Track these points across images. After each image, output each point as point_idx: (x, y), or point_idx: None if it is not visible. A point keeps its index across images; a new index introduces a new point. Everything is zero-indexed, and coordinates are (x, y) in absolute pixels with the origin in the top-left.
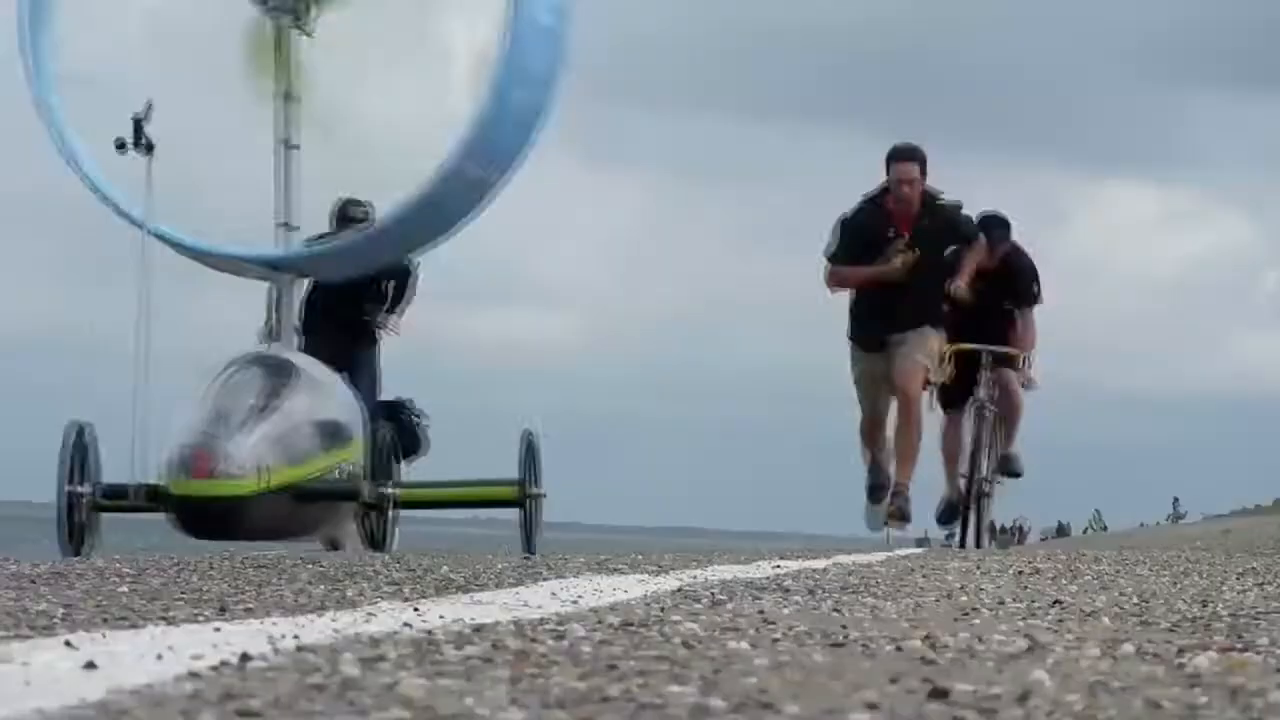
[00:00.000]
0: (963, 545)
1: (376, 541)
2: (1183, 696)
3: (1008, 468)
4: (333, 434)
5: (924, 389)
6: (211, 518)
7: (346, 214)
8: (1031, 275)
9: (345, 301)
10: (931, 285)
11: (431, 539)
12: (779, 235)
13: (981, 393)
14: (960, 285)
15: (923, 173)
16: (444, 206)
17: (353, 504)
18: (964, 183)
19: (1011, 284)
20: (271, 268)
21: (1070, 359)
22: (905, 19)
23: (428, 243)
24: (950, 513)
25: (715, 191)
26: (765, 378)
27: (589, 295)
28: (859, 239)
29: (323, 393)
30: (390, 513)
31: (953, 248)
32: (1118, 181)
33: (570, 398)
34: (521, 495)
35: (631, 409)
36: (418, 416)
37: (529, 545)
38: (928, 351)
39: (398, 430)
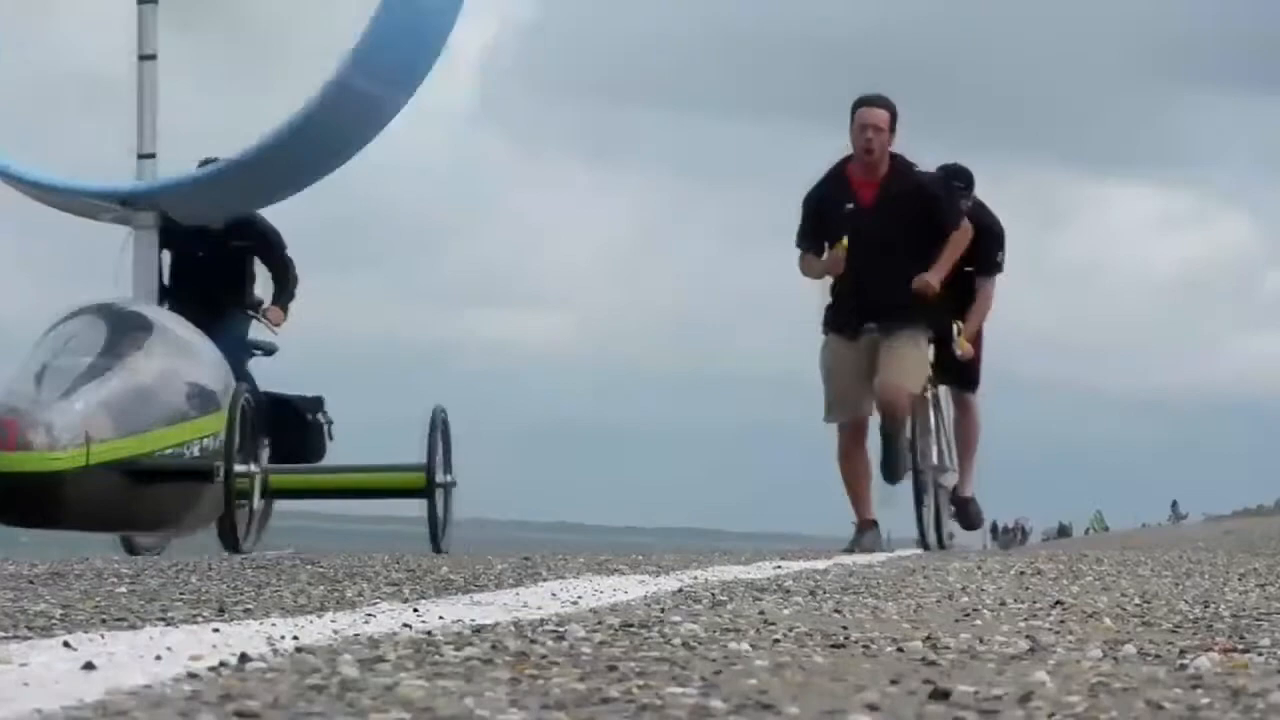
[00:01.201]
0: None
1: (229, 538)
2: (1184, 698)
3: (965, 517)
4: (188, 402)
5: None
6: (21, 498)
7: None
8: (996, 240)
9: (211, 275)
10: (913, 257)
11: (429, 540)
12: (781, 235)
13: (931, 390)
14: (930, 283)
15: (892, 128)
16: (332, 125)
17: (213, 489)
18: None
19: (972, 247)
20: (126, 204)
21: (1071, 359)
22: (907, 20)
23: (312, 168)
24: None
25: (717, 192)
26: (766, 378)
27: (590, 295)
28: (818, 218)
29: (180, 353)
30: (256, 502)
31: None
32: (1118, 182)
33: (571, 398)
34: (427, 484)
35: (632, 409)
36: (324, 417)
37: (435, 542)
38: (916, 364)
39: (304, 430)
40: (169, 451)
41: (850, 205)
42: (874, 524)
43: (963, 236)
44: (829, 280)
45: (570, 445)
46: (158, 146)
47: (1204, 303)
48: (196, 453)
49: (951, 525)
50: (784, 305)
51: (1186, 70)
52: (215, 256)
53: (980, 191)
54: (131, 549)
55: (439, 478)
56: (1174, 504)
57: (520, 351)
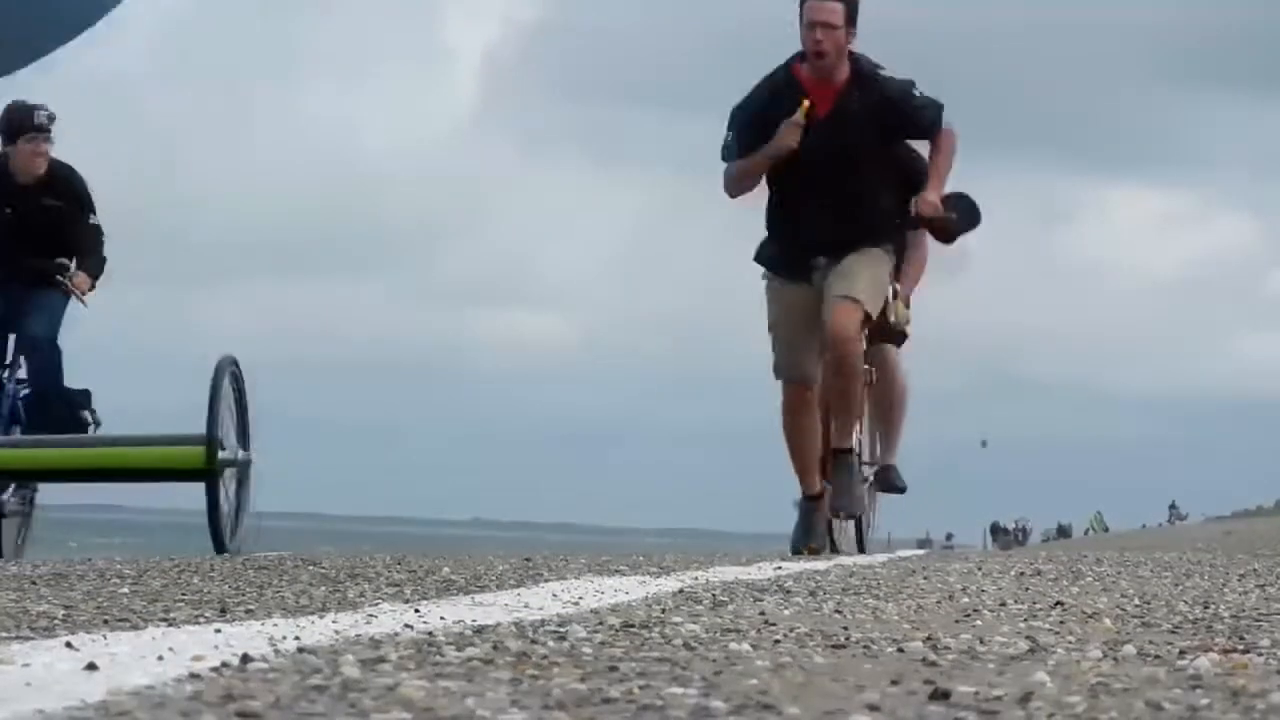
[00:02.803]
0: (817, 549)
1: None
2: (1184, 698)
3: (887, 482)
4: None
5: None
6: None
7: None
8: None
9: (22, 234)
10: (876, 183)
11: (430, 541)
12: None
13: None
14: (931, 203)
15: (850, 21)
16: None
17: None
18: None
19: (903, 191)
20: None
21: (1072, 359)
22: (908, 21)
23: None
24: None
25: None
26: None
27: (591, 295)
28: (758, 133)
29: None
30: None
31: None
32: (1120, 183)
33: (571, 398)
34: (209, 462)
35: (632, 409)
36: (91, 416)
37: (219, 538)
38: (873, 282)
39: (62, 426)
40: None
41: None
42: (821, 497)
43: (950, 140)
44: (765, 204)
45: (570, 445)
46: None
47: (1205, 303)
48: None
49: (875, 515)
50: None
51: (1189, 71)
52: (26, 213)
53: (981, 191)
54: None
55: (228, 453)
56: (1172, 504)
57: (521, 352)
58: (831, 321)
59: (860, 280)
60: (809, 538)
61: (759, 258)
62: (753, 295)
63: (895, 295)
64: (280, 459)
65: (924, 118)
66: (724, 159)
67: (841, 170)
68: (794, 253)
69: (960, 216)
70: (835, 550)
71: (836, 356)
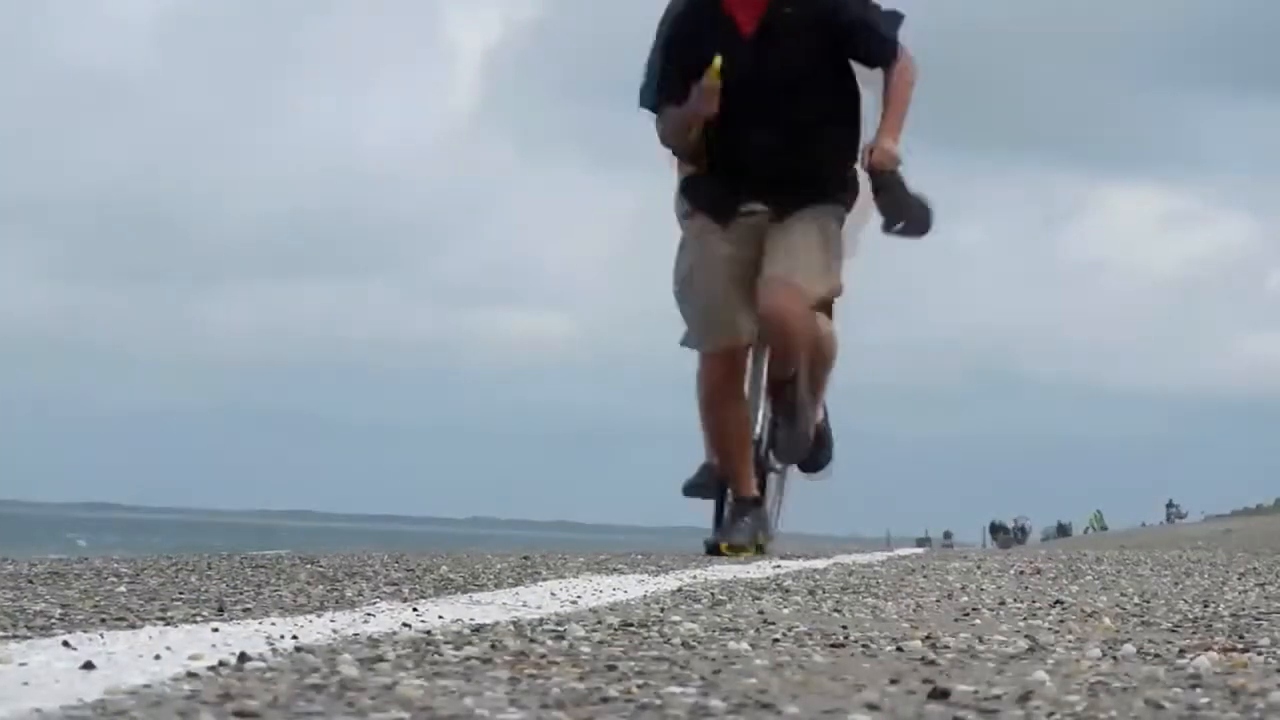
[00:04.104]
0: (719, 523)
1: None
2: (1184, 697)
3: (809, 459)
4: None
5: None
6: None
7: None
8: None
9: None
10: (824, 116)
11: (428, 539)
12: None
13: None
14: (887, 152)
15: None
16: None
17: None
18: (967, 182)
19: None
20: None
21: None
22: (911, 22)
23: None
24: (699, 489)
25: None
26: None
27: (591, 295)
28: (677, 58)
29: None
30: None
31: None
32: (1120, 182)
33: (571, 397)
34: None
35: (632, 409)
36: None
37: None
38: (822, 260)
39: None
40: None
41: (723, 36)
42: (757, 502)
43: (909, 69)
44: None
45: (570, 445)
46: None
47: (1205, 302)
48: None
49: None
50: None
51: (1189, 71)
52: None
53: (981, 191)
54: None
55: None
56: (1169, 503)
57: (521, 351)
58: (768, 306)
59: (804, 258)
60: (732, 533)
61: (684, 190)
62: None
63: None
64: (280, 458)
65: (872, 43)
66: (642, 104)
67: (777, 98)
68: (721, 192)
69: (911, 221)
70: (760, 549)
71: (778, 346)
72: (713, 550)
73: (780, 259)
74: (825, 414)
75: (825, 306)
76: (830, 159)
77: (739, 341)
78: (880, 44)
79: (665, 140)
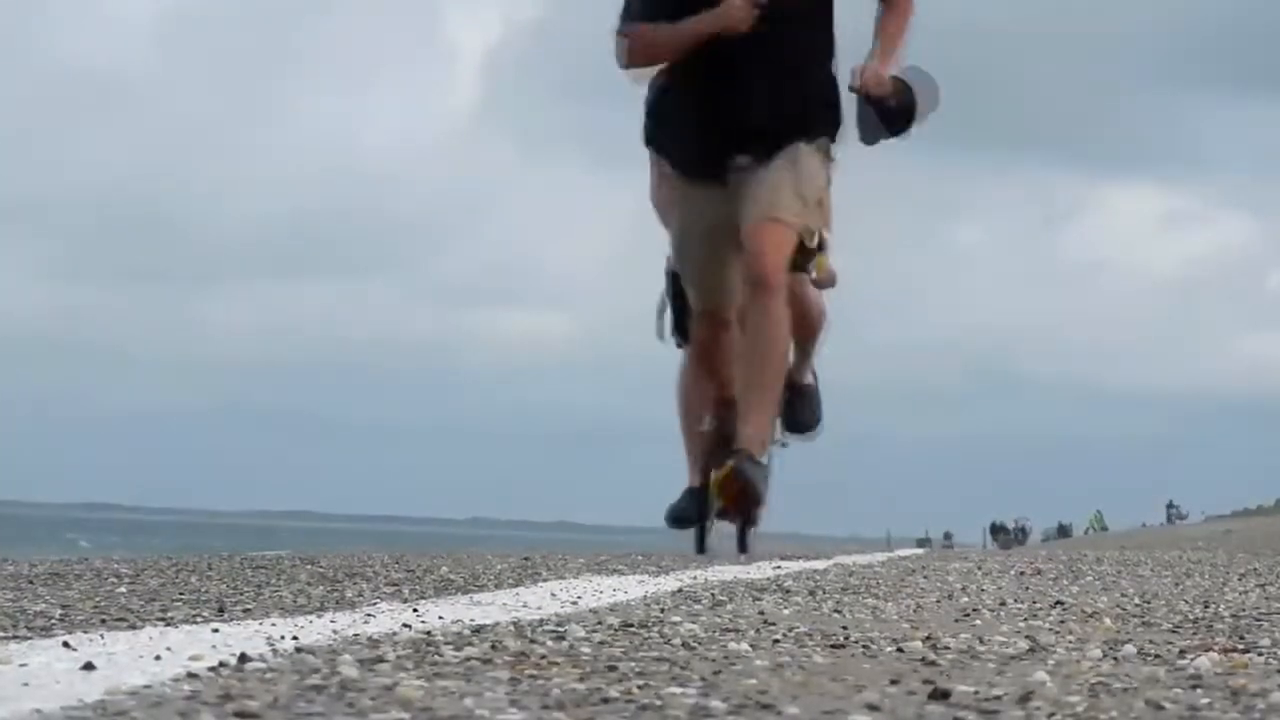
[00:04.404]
0: (702, 549)
1: None
2: (1184, 698)
3: (794, 418)
4: None
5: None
6: None
7: None
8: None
9: None
10: (816, 53)
11: (429, 540)
12: None
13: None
14: (878, 76)
15: None
16: None
17: None
18: (967, 182)
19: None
20: None
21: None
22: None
23: None
24: (686, 521)
25: None
26: None
27: (591, 295)
28: None
29: None
30: None
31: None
32: (1120, 182)
33: (571, 397)
34: None
35: (632, 409)
36: None
37: None
38: (804, 191)
39: None
40: None
41: None
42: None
43: (906, 5)
44: (656, 76)
45: (570, 445)
46: None
47: (1205, 302)
48: None
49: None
50: None
51: (1189, 71)
52: None
53: (982, 191)
54: None
55: None
56: (1169, 504)
57: (521, 351)
58: (751, 249)
59: (786, 191)
60: (691, 511)
61: (652, 142)
62: None
63: (822, 247)
64: (280, 458)
65: None
66: (619, 27)
67: (774, 35)
68: (707, 146)
69: (915, 96)
70: (703, 547)
71: (755, 293)
72: (678, 522)
73: (759, 194)
74: (815, 377)
75: (810, 255)
76: (819, 100)
77: (723, 307)
78: None
79: (637, 52)
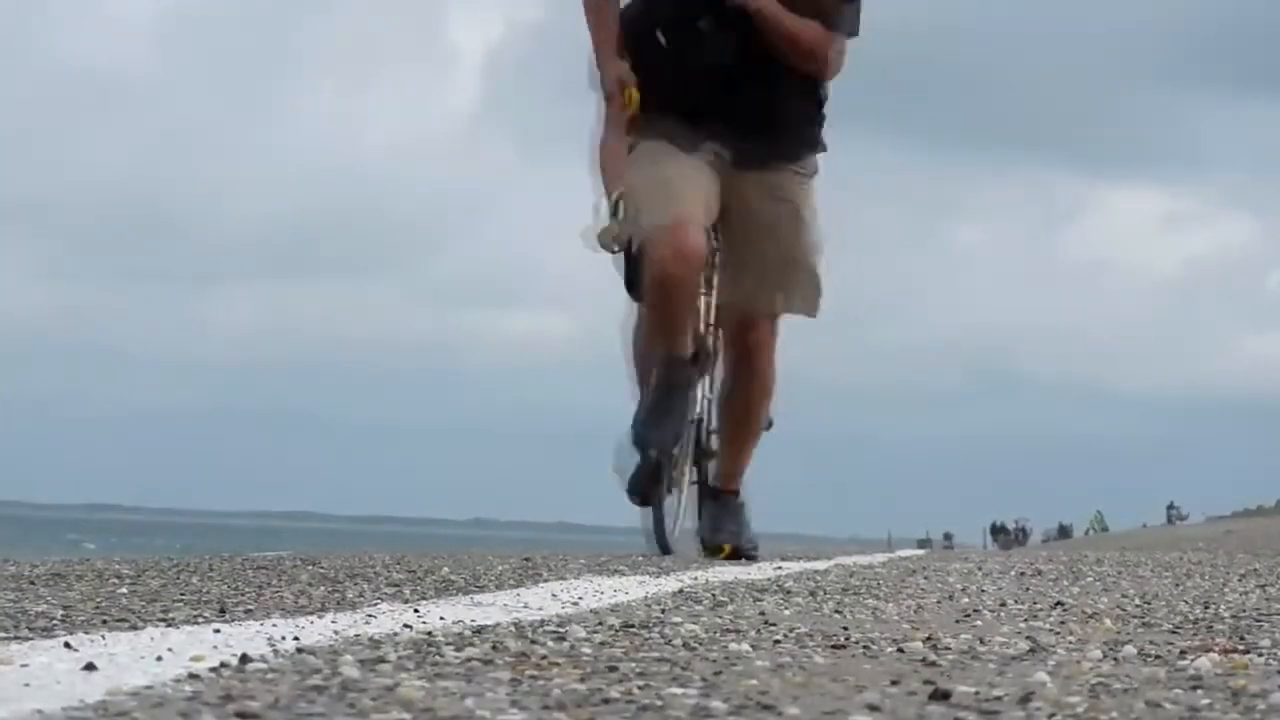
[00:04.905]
0: (662, 542)
1: None
2: (1185, 698)
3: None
4: None
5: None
6: None
7: None
8: None
9: None
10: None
11: (430, 541)
12: None
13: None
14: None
15: None
16: None
17: None
18: (968, 181)
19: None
20: None
21: (1073, 359)
22: (910, 20)
23: None
24: (640, 484)
25: None
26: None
27: (591, 295)
28: None
29: None
30: None
31: None
32: (1121, 182)
33: (571, 398)
34: None
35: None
36: None
37: None
38: (811, 275)
39: None
40: None
41: None
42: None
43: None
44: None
45: (570, 445)
46: None
47: (1206, 303)
48: None
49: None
50: None
51: (1189, 71)
52: None
53: (982, 191)
54: None
55: None
56: (1170, 505)
57: (521, 351)
58: (743, 332)
59: (799, 274)
60: (737, 534)
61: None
62: None
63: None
64: (280, 459)
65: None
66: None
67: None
68: (678, 115)
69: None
70: (665, 546)
71: (744, 353)
72: (715, 552)
73: (764, 271)
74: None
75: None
76: (796, 99)
77: (693, 214)
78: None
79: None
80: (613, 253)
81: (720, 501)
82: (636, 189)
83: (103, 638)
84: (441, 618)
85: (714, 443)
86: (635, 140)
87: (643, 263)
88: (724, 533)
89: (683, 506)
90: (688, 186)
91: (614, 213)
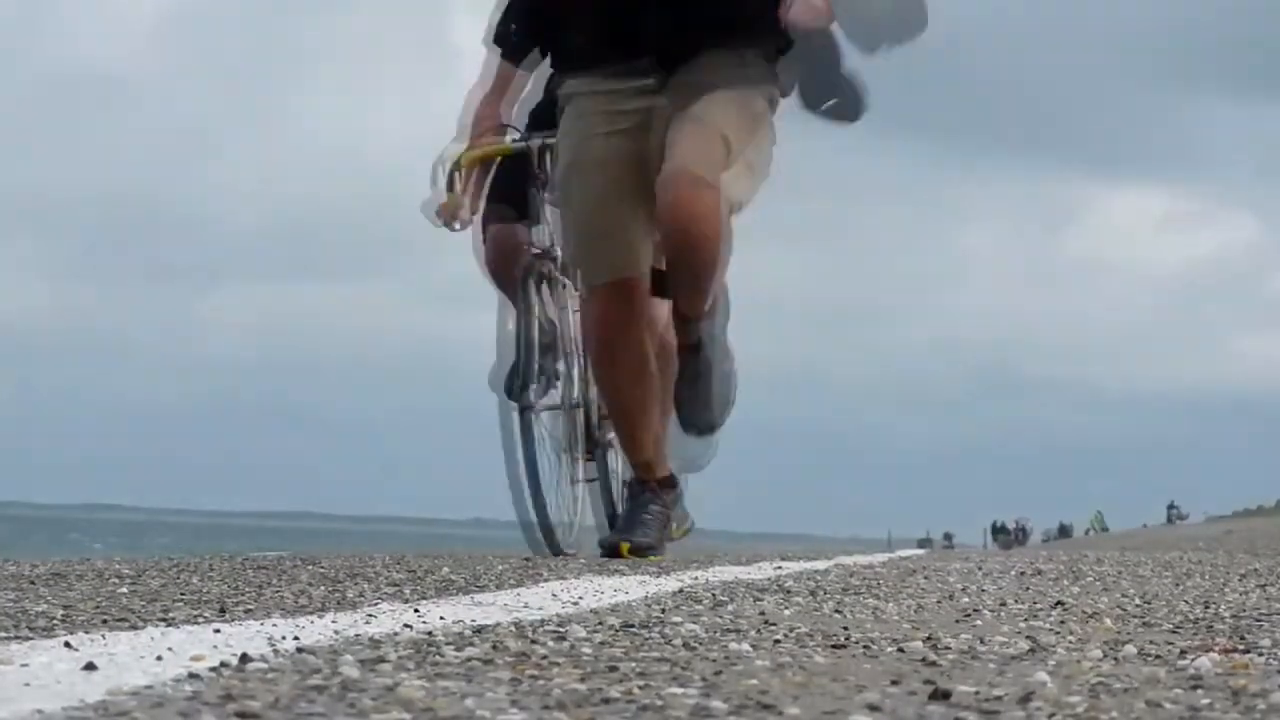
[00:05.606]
0: (552, 543)
1: None
2: (1185, 698)
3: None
4: None
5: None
6: None
7: None
8: None
9: None
10: None
11: (430, 540)
12: (780, 234)
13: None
14: (813, 6)
15: None
16: None
17: None
18: (969, 182)
19: None
20: None
21: (1073, 359)
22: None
23: None
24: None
25: None
26: (766, 378)
27: None
28: None
29: None
30: None
31: None
32: (1121, 183)
33: None
34: None
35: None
36: None
37: None
38: (734, 131)
39: None
40: None
41: None
42: (672, 483)
43: None
44: None
45: None
46: None
47: (1206, 303)
48: None
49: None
50: (782, 304)
51: (1191, 73)
52: None
53: (982, 191)
54: None
55: None
56: (1170, 505)
57: None
58: (670, 206)
59: (716, 146)
60: (635, 530)
61: (513, 39)
62: (751, 294)
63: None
64: (280, 458)
65: None
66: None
67: None
68: (597, 40)
69: (842, 100)
70: (555, 548)
71: (676, 252)
72: (611, 552)
73: (686, 145)
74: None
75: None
76: (758, 19)
77: (633, 274)
78: None
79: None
80: (453, 230)
81: (633, 494)
82: (568, 227)
83: (103, 637)
84: (441, 617)
85: (609, 432)
86: (564, 131)
87: (581, 312)
88: (628, 530)
89: (580, 503)
90: (618, 221)
91: (450, 185)
